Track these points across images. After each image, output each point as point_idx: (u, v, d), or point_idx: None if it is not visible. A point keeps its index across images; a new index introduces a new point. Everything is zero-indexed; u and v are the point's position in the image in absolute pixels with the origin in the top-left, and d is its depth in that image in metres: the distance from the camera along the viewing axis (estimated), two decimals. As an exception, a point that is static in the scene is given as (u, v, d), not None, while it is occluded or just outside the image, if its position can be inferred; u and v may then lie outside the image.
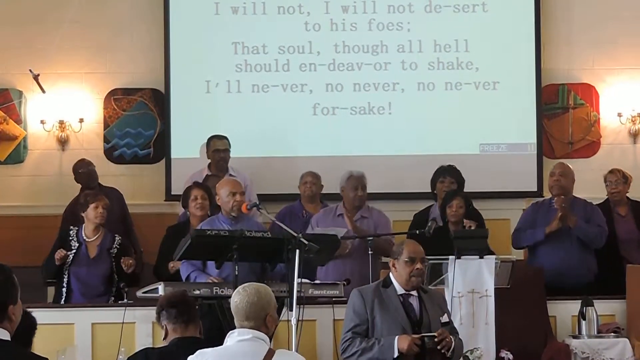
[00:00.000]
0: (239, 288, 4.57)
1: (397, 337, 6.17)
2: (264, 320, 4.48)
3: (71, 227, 8.37)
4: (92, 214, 8.25)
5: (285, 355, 4.53)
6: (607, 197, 9.22)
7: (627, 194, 9.18)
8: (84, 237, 8.26)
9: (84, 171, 9.63)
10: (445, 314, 6.44)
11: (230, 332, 4.50)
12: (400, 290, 6.32)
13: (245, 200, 8.04)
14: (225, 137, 9.81)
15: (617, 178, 9.16)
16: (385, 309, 6.28)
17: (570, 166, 8.95)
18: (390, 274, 6.37)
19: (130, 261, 8.13)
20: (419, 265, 6.26)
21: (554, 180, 8.78)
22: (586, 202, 8.83)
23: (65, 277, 8.16)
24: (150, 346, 6.80)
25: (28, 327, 5.61)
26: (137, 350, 6.59)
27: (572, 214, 8.55)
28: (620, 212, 9.13)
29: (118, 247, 8.31)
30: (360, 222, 8.66)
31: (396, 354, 6.13)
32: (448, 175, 9.19)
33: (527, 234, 8.71)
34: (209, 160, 9.78)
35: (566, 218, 8.51)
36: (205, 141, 9.89)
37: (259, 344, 4.42)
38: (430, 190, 9.30)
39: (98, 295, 8.20)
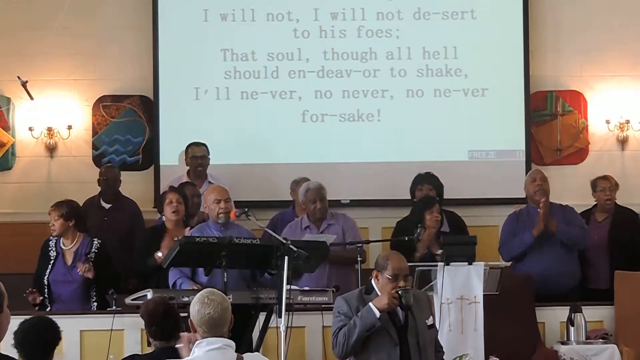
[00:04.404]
0: (202, 299, 4.43)
1: (370, 302, 6.13)
2: (229, 324, 4.44)
3: (50, 237, 8.31)
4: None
5: (254, 358, 4.47)
6: (595, 202, 9.24)
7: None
8: (62, 246, 8.22)
9: (106, 178, 9.64)
10: (431, 317, 6.40)
11: (198, 341, 4.41)
12: None
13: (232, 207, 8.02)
14: (203, 144, 9.80)
15: (611, 185, 9.18)
16: (370, 316, 6.24)
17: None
18: (373, 281, 6.31)
19: (86, 266, 8.00)
20: (401, 283, 6.18)
21: (536, 184, 8.80)
22: (561, 205, 8.84)
23: (46, 288, 8.11)
24: (137, 353, 6.80)
25: (53, 337, 5.48)
26: (125, 357, 6.59)
27: (551, 218, 8.56)
28: (597, 218, 9.18)
29: (96, 251, 8.18)
30: (328, 230, 8.60)
31: (378, 315, 6.08)
32: (426, 183, 9.21)
33: (515, 242, 8.70)
34: (188, 167, 9.78)
35: (548, 221, 8.51)
36: (184, 148, 9.89)
37: (228, 352, 4.34)
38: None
39: (79, 302, 8.12)
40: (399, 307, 6.18)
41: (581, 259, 8.84)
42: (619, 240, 9.02)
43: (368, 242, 8.58)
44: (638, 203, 9.71)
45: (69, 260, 8.17)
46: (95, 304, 8.16)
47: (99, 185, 9.69)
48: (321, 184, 8.76)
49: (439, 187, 9.23)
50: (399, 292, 6.09)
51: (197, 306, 4.40)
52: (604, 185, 9.19)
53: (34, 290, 8.02)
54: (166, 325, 5.24)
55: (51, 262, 8.15)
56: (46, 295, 8.10)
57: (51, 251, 8.20)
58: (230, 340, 4.37)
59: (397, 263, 6.20)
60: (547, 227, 8.53)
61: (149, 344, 5.42)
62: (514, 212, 9.16)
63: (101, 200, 9.62)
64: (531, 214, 8.75)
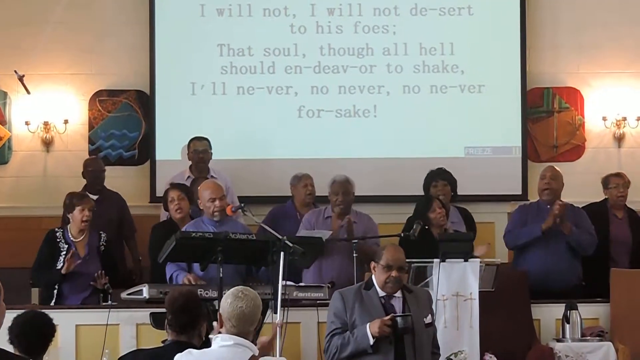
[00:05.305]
0: (236, 292, 4.39)
1: (368, 324, 6.17)
2: (257, 324, 4.41)
3: (56, 228, 8.33)
4: (78, 216, 8.21)
5: None
6: (605, 198, 9.18)
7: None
8: (71, 238, 8.23)
9: (92, 169, 9.62)
10: (430, 315, 6.42)
11: (215, 336, 4.41)
12: (381, 292, 6.32)
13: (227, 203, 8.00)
14: (205, 139, 9.78)
15: (624, 181, 9.17)
16: (366, 312, 6.27)
17: (559, 169, 8.97)
18: (372, 276, 6.37)
19: (104, 281, 8.08)
20: (394, 273, 6.25)
21: (544, 183, 8.78)
22: (573, 206, 8.83)
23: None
24: (134, 348, 6.80)
25: (48, 331, 5.48)
26: (121, 351, 6.60)
27: (567, 222, 8.54)
28: (618, 215, 9.14)
29: (105, 244, 8.29)
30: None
31: (372, 341, 6.13)
32: (440, 179, 9.18)
33: (523, 231, 8.69)
34: (190, 162, 9.77)
35: (563, 223, 8.50)
36: (187, 143, 9.88)
37: (242, 350, 4.29)
38: (416, 194, 9.27)
39: (91, 294, 8.16)
40: (394, 305, 6.21)
41: (603, 254, 8.81)
42: (638, 237, 9.03)
43: (364, 238, 8.56)
44: (636, 200, 9.67)
45: (82, 252, 8.19)
46: (102, 295, 8.18)
47: (83, 178, 9.66)
48: (348, 178, 8.74)
49: (453, 182, 9.22)
50: (396, 317, 6.12)
51: (230, 299, 4.35)
52: (616, 182, 9.16)
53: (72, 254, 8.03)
54: (179, 319, 5.23)
55: (63, 253, 8.15)
56: (55, 287, 8.09)
57: (60, 242, 8.19)
58: (249, 342, 4.31)
59: (391, 254, 6.30)
60: (560, 228, 8.51)
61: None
62: (523, 204, 9.19)
63: (87, 193, 9.58)
64: (541, 208, 8.74)
